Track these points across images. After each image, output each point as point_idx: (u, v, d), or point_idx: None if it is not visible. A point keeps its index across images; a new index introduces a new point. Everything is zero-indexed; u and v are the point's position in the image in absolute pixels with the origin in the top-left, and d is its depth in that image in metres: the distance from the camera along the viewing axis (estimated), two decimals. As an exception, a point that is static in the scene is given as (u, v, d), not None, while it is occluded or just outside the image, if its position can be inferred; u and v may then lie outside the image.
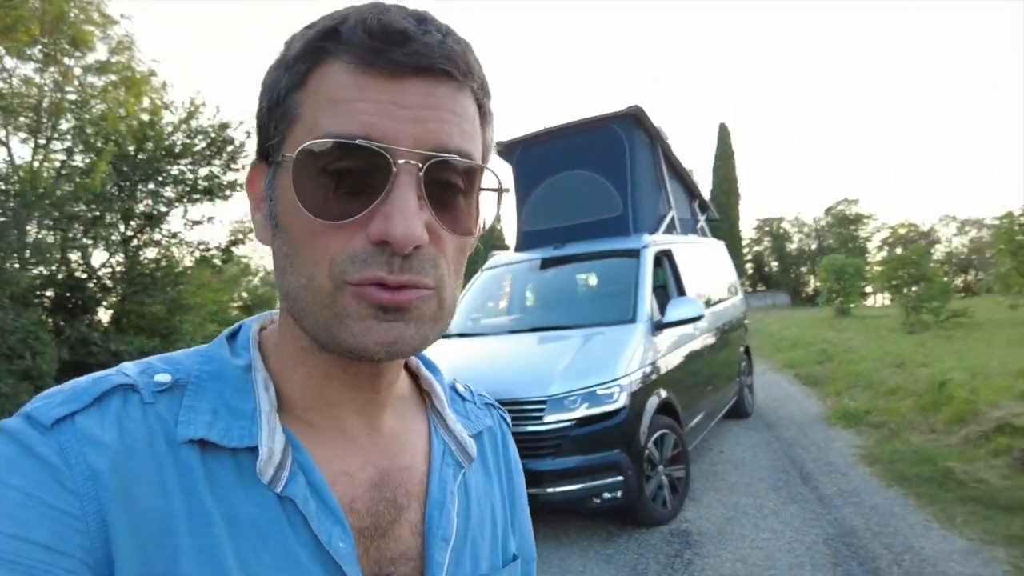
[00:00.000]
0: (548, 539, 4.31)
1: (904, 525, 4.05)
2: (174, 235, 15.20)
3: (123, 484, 0.45)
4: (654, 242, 5.40)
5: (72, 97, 13.42)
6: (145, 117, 13.63)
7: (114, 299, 14.79)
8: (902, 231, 50.16)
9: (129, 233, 14.20)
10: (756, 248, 59.40)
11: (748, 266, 59.30)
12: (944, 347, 10.37)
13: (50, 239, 12.53)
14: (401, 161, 0.46)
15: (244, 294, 27.66)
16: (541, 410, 3.97)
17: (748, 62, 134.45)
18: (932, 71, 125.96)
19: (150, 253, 15.37)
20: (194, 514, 0.46)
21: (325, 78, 0.47)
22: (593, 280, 5.54)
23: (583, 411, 4.01)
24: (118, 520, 0.44)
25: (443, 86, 0.48)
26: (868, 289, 17.67)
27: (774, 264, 56.75)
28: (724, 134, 49.66)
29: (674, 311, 4.81)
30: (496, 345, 4.87)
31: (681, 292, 5.64)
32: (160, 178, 13.77)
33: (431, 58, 0.47)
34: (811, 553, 3.77)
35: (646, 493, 4.25)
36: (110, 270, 14.52)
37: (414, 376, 0.68)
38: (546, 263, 5.71)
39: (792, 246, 56.52)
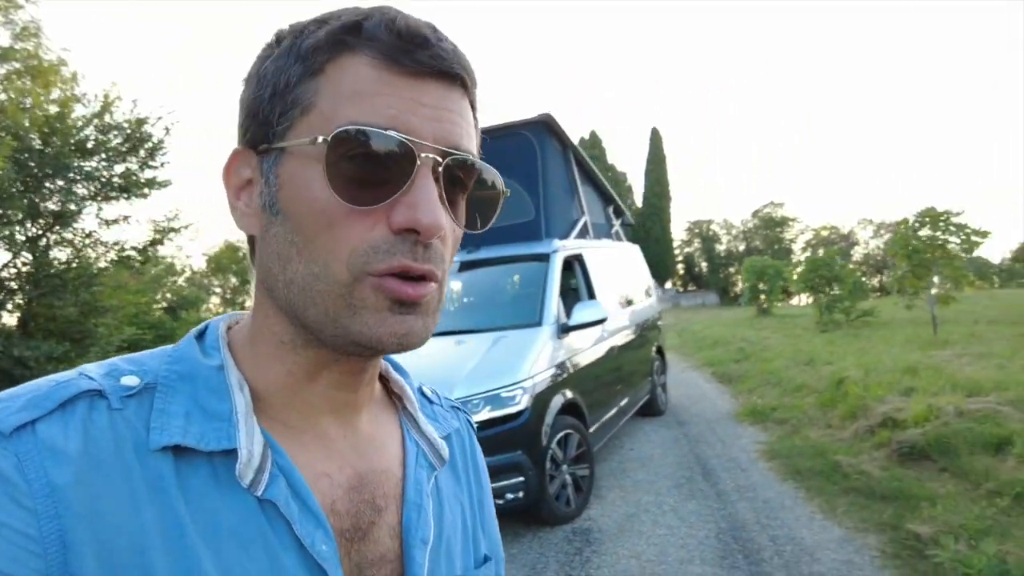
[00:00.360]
0: (454, 542, 4.35)
1: (791, 517, 4.27)
2: (88, 235, 14.49)
3: (88, 500, 0.43)
4: (564, 247, 5.51)
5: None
6: (53, 109, 12.92)
7: (19, 301, 13.98)
8: (824, 233, 52.66)
9: (35, 232, 13.44)
10: (687, 249, 61.13)
11: (680, 267, 61.02)
12: (850, 345, 10.94)
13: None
14: (424, 155, 0.48)
15: (168, 295, 26.62)
16: (443, 414, 4.00)
17: (680, 66, 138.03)
18: (853, 74, 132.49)
19: (62, 254, 14.62)
20: (168, 527, 0.45)
21: (346, 70, 0.49)
22: (503, 284, 5.61)
23: (486, 414, 4.06)
24: (81, 540, 0.42)
25: (455, 91, 0.51)
26: (791, 289, 18.41)
27: (704, 265, 58.51)
28: (656, 138, 50.95)
29: (579, 314, 4.93)
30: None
31: (591, 295, 5.78)
32: (70, 175, 13.10)
33: (449, 64, 0.50)
34: (702, 547, 3.93)
35: (549, 493, 4.33)
36: (15, 271, 13.71)
37: (383, 379, 0.68)
38: (459, 267, 5.75)
39: (721, 247, 58.45)
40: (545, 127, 5.77)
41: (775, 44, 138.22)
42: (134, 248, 13.96)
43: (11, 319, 13.92)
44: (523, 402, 4.17)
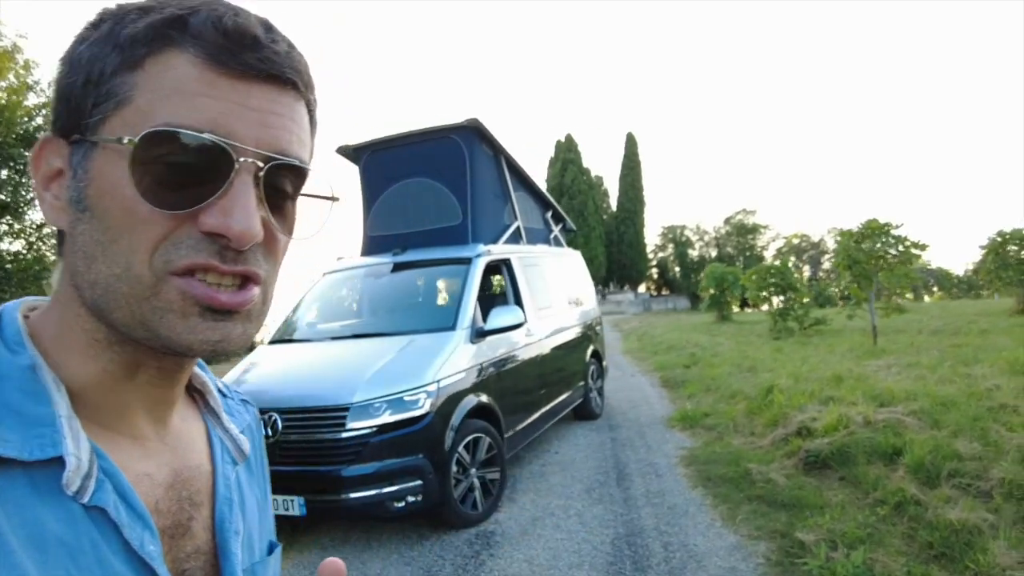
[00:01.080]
0: (358, 542, 4.36)
1: (691, 524, 4.33)
2: (39, 227, 14.25)
3: None
4: (488, 251, 5.54)
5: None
6: (3, 98, 12.68)
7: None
8: (795, 241, 53.42)
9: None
10: (661, 254, 61.62)
11: (654, 271, 61.49)
12: (795, 353, 11.11)
13: None
14: (243, 159, 0.47)
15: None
16: (343, 417, 4.00)
17: (658, 71, 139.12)
18: (830, 80, 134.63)
19: (13, 246, 14.35)
20: None
21: (167, 67, 0.46)
22: (422, 288, 5.63)
23: (386, 418, 4.07)
24: None
25: (286, 95, 0.50)
26: (747, 297, 18.67)
27: (677, 270, 59.01)
28: (631, 143, 51.34)
29: (495, 319, 4.97)
30: (315, 351, 4.87)
31: (517, 300, 5.82)
32: (18, 165, 12.86)
33: (280, 66, 0.49)
34: (595, 553, 3.97)
35: (453, 496, 4.35)
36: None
37: None
38: (382, 269, 5.76)
39: (694, 253, 58.99)
40: (474, 132, 5.80)
41: (753, 49, 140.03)
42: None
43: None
44: (426, 406, 4.19)
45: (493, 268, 5.90)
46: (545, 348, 6.09)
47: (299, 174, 0.52)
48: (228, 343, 0.49)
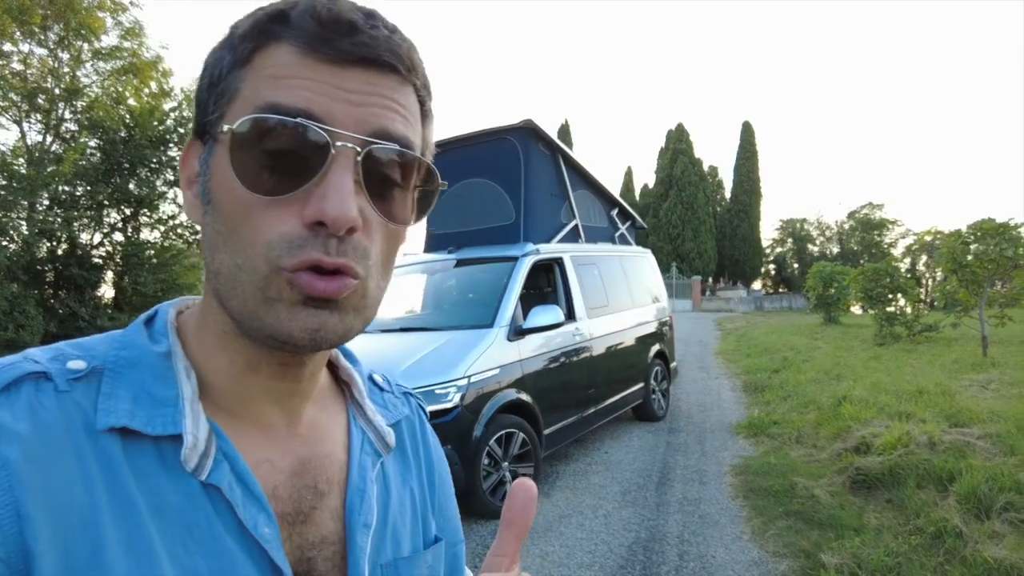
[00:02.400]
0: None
1: (717, 535, 4.25)
2: (171, 218, 15.80)
3: (39, 475, 0.43)
4: (537, 250, 5.63)
5: (63, 86, 13.98)
6: (133, 103, 14.13)
7: (111, 278, 15.43)
8: (927, 238, 48.93)
9: (120, 216, 14.78)
10: (778, 250, 58.60)
11: (771, 267, 58.61)
12: (895, 362, 10.35)
13: (49, 219, 13.11)
14: (340, 144, 0.48)
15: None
16: (376, 406, 4.27)
17: (778, 59, 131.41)
18: (972, 73, 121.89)
19: (152, 235, 16.02)
20: (118, 504, 0.45)
21: (270, 58, 0.49)
22: (469, 285, 5.80)
23: (417, 409, 4.30)
24: (35, 512, 0.42)
25: (387, 78, 0.50)
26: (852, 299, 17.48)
27: (795, 266, 55.94)
28: (748, 132, 49.07)
29: (534, 318, 5.07)
30: (365, 343, 5.17)
31: (567, 298, 5.89)
32: (152, 164, 14.32)
33: (376, 50, 0.49)
34: (609, 556, 4.00)
35: (482, 487, 4.52)
36: (105, 251, 15.12)
37: (332, 366, 0.69)
38: (435, 267, 6.01)
39: (815, 248, 55.65)
40: (530, 132, 5.89)
41: (881, 33, 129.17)
42: (206, 231, 15.22)
43: (110, 293, 15.47)
44: (455, 399, 4.37)
45: (544, 267, 5.98)
46: (597, 347, 6.11)
47: (406, 160, 0.52)
48: (325, 331, 0.49)
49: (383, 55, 0.50)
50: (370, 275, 0.52)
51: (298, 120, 0.47)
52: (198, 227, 0.55)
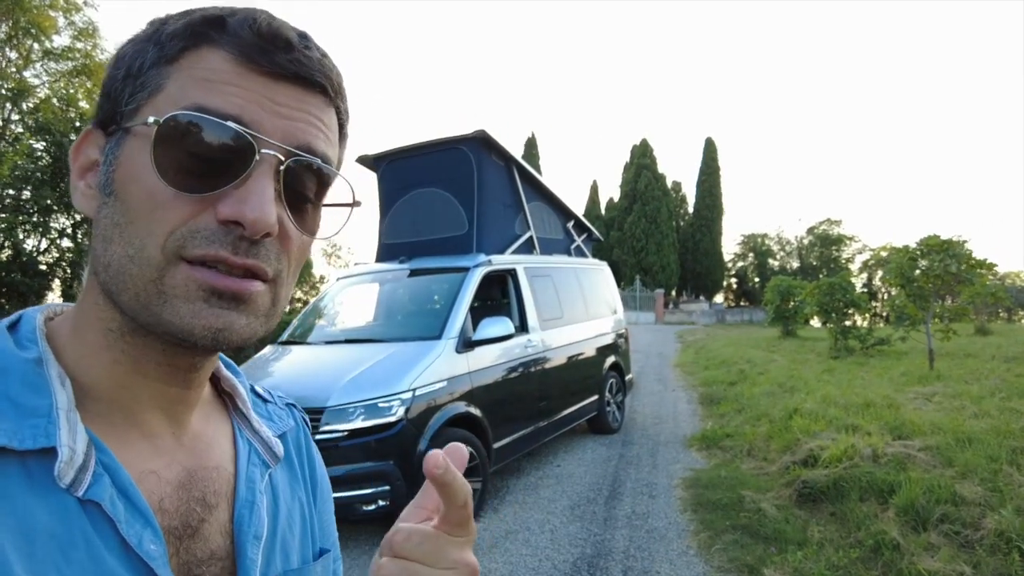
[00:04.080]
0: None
1: (663, 550, 4.22)
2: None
3: None
4: (489, 261, 5.57)
5: (9, 85, 13.55)
6: (84, 105, 13.75)
7: (59, 286, 14.91)
8: (883, 253, 50.28)
9: (69, 222, 14.31)
10: (740, 264, 59.60)
11: (732, 281, 59.55)
12: (847, 375, 10.53)
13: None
14: (265, 151, 0.48)
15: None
16: (316, 420, 4.14)
17: (741, 77, 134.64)
18: (930, 91, 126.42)
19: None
20: None
21: (201, 60, 0.48)
22: (419, 296, 5.72)
23: (359, 422, 4.18)
24: None
25: (315, 97, 0.52)
26: (807, 312, 17.83)
27: (756, 280, 56.96)
28: (710, 148, 49.91)
29: (484, 330, 5.00)
30: (308, 354, 5.04)
31: (520, 310, 5.83)
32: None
33: (310, 69, 0.51)
34: (553, 573, 3.93)
35: (426, 504, 4.41)
36: (52, 256, 14.61)
37: (214, 377, 0.66)
38: (385, 276, 5.91)
39: (775, 263, 56.74)
40: (482, 142, 5.85)
41: (843, 50, 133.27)
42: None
43: (58, 301, 14.99)
44: (399, 413, 4.27)
45: (496, 278, 5.93)
46: (550, 359, 6.06)
47: (322, 176, 0.53)
48: (230, 332, 0.48)
49: (315, 75, 0.51)
50: (282, 282, 0.52)
51: (228, 123, 0.47)
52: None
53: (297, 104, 0.50)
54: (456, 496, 0.49)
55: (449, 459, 0.50)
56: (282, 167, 0.49)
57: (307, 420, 0.77)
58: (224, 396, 0.67)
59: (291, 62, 0.50)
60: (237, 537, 0.57)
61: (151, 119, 0.47)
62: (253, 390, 0.71)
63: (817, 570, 3.58)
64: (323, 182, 0.53)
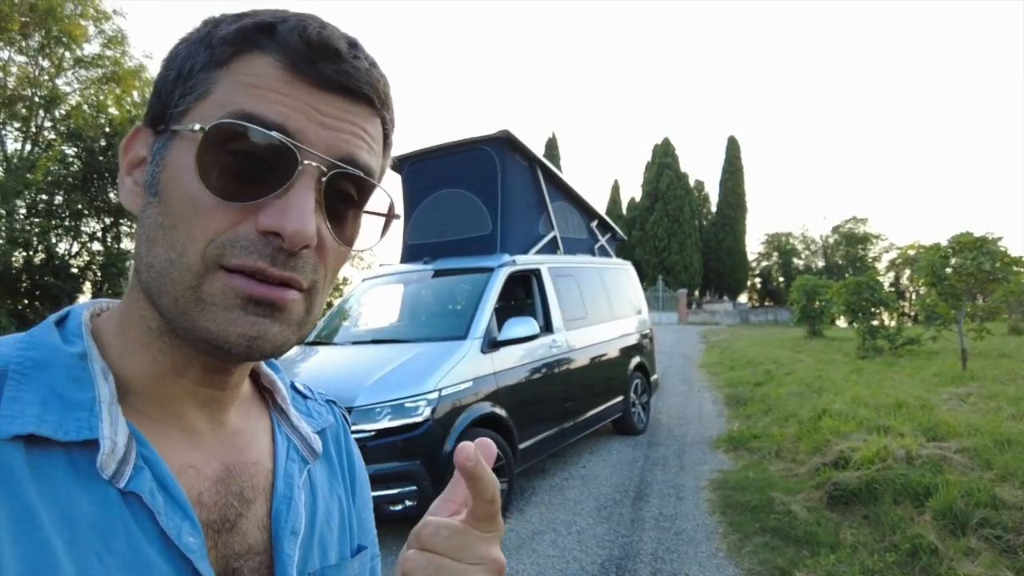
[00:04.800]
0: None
1: (692, 552, 4.17)
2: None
3: None
4: (513, 262, 5.56)
5: (43, 93, 13.84)
6: (114, 111, 14.02)
7: (89, 289, 15.23)
8: (911, 252, 49.44)
9: (99, 226, 14.59)
10: (764, 263, 58.95)
11: (756, 280, 58.92)
12: (876, 375, 10.35)
13: (25, 228, 12.91)
14: (307, 162, 0.48)
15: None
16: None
17: (763, 75, 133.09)
18: (954, 86, 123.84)
19: (132, 245, 15.94)
20: (17, 520, 0.42)
21: (249, 66, 0.49)
22: (444, 296, 5.72)
23: (386, 422, 4.19)
24: None
25: (361, 108, 0.52)
26: (834, 311, 17.57)
27: (781, 279, 56.29)
28: (733, 147, 49.45)
29: (509, 330, 4.99)
30: (336, 355, 5.07)
31: (544, 310, 5.82)
32: (131, 173, 14.24)
33: (357, 80, 0.50)
34: (581, 574, 3.90)
35: (453, 505, 4.41)
36: (83, 260, 14.91)
37: (254, 374, 0.67)
38: (410, 277, 5.92)
39: (799, 262, 56.05)
40: (506, 143, 5.85)
41: (868, 47, 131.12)
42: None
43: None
44: (425, 413, 4.27)
45: (521, 279, 5.91)
46: (574, 360, 6.03)
47: (364, 186, 0.53)
48: (263, 340, 0.49)
49: (362, 86, 0.51)
50: (317, 291, 0.52)
51: (272, 133, 0.47)
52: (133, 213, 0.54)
53: (342, 115, 0.50)
54: (485, 490, 0.48)
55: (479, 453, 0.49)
56: (324, 178, 0.49)
57: (347, 417, 0.77)
58: (264, 392, 0.67)
59: (338, 72, 0.49)
60: (274, 532, 0.57)
61: (196, 126, 0.47)
62: (293, 386, 0.71)
63: (851, 573, 3.52)
64: (364, 193, 0.54)
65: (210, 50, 0.49)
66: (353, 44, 0.52)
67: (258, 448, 0.61)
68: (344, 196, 0.52)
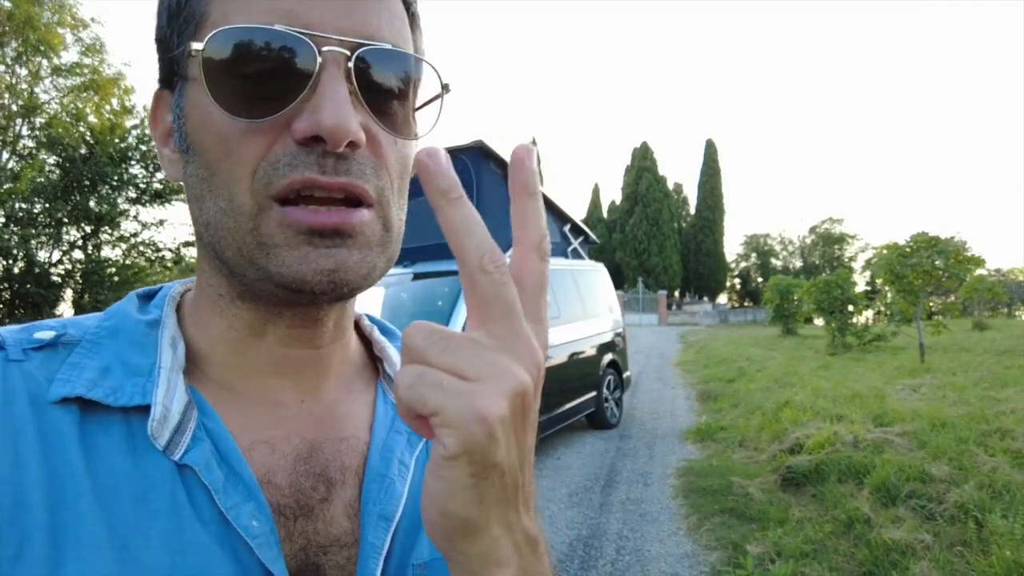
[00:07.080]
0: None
1: (654, 531, 4.50)
2: (133, 235, 15.78)
3: None
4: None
5: (21, 102, 13.92)
6: (93, 120, 14.13)
7: (71, 296, 15.29)
8: (885, 252, 50.56)
9: (80, 234, 14.68)
10: (743, 264, 59.91)
11: (736, 281, 59.81)
12: (841, 370, 10.80)
13: (5, 236, 12.98)
14: (326, 49, 0.42)
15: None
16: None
17: (741, 78, 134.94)
18: (926, 87, 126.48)
19: (114, 253, 15.96)
20: (57, 486, 0.39)
21: None
22: (419, 299, 6.02)
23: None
24: None
25: None
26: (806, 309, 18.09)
27: (759, 280, 57.21)
28: (711, 150, 50.26)
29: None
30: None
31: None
32: (112, 182, 14.31)
33: None
34: (550, 552, 4.21)
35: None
36: (64, 268, 14.98)
37: (367, 342, 0.61)
38: (390, 280, 6.21)
39: (778, 263, 57.05)
40: (480, 152, 6.16)
41: (843, 50, 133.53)
42: (168, 249, 15.14)
43: (69, 311, 15.37)
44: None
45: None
46: (549, 357, 6.31)
47: (400, 63, 0.46)
48: (345, 272, 0.43)
49: None
50: (388, 202, 0.46)
51: (275, 27, 0.41)
52: (181, 187, 0.53)
53: None
54: (538, 218, 0.40)
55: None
56: (350, 63, 0.43)
57: None
58: (376, 361, 0.61)
59: None
60: (362, 517, 0.50)
61: (194, 47, 0.43)
62: None
63: (795, 544, 3.86)
64: (405, 75, 0.47)
65: None
66: None
67: (354, 421, 0.54)
68: (382, 82, 0.45)
